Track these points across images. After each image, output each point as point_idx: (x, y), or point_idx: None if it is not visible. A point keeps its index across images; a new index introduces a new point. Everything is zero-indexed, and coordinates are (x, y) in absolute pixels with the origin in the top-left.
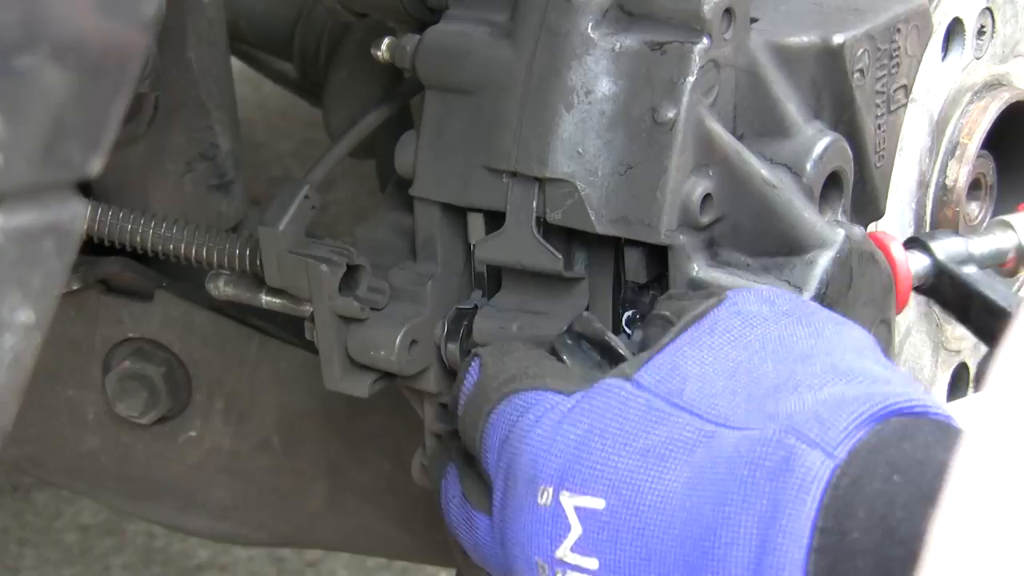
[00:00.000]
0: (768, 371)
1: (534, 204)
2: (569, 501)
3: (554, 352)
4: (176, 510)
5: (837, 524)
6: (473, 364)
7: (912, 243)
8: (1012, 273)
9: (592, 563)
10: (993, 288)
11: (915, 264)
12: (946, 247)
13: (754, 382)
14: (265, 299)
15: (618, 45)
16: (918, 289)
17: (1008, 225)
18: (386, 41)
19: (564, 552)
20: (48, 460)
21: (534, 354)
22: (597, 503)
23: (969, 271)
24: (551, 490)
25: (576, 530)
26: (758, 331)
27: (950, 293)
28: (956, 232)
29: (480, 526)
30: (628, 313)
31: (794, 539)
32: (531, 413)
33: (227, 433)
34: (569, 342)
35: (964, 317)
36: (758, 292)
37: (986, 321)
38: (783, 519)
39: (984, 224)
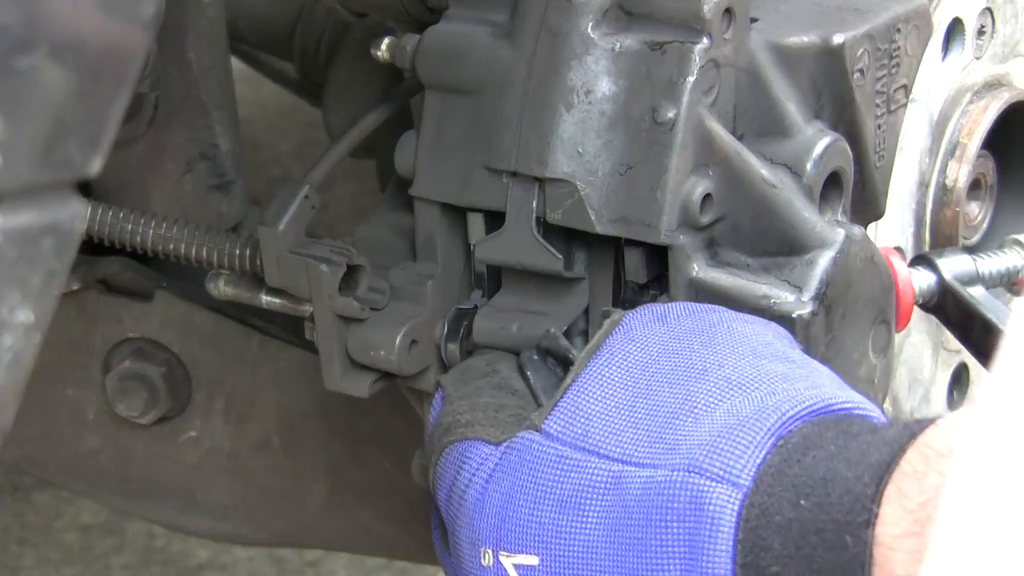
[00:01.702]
0: (665, 396)
1: (534, 204)
2: (508, 561)
3: (521, 369)
4: (176, 510)
5: (755, 559)
6: (436, 397)
7: (919, 260)
8: (1021, 292)
9: None
10: (996, 311)
11: (921, 281)
12: (953, 265)
13: (652, 411)
14: (265, 299)
15: (618, 45)
16: (923, 306)
17: (1019, 243)
18: (386, 41)
19: None
20: (48, 460)
21: (480, 386)
22: (532, 560)
23: (976, 291)
24: (491, 552)
25: None
26: (653, 352)
27: (953, 312)
28: (965, 249)
29: (450, 563)
30: None
31: None
32: (465, 470)
33: (227, 433)
34: (535, 358)
35: (965, 337)
36: (652, 311)
37: (986, 342)
38: (703, 560)
39: (984, 225)
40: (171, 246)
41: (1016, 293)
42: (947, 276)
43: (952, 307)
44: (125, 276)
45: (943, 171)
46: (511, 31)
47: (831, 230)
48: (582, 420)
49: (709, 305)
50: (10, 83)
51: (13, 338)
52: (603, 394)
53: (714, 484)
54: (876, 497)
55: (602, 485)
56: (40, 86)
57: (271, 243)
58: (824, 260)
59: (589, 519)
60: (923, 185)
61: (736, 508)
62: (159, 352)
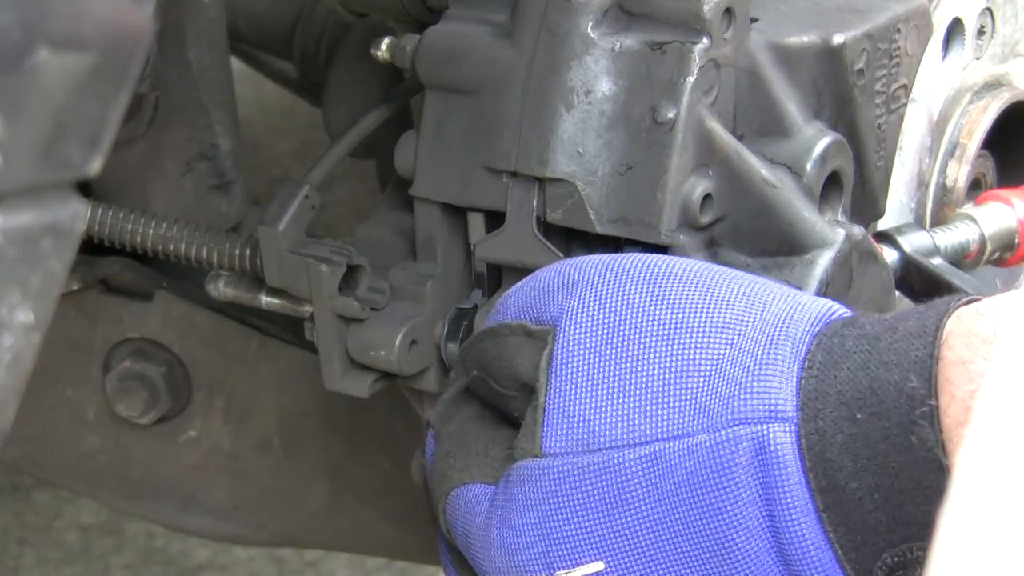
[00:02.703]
0: (650, 361)
1: (534, 204)
2: None
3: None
4: (176, 510)
5: (830, 481)
6: (428, 437)
7: (880, 238)
8: (975, 264)
9: None
10: (959, 276)
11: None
12: (913, 240)
13: (646, 382)
14: (265, 299)
15: (618, 45)
16: None
17: (971, 218)
18: (386, 41)
19: None
20: (48, 460)
21: (463, 421)
22: (595, 567)
23: (935, 262)
24: None
25: None
26: (606, 322)
27: (918, 284)
28: (921, 226)
29: None
30: None
31: (801, 511)
32: (475, 513)
33: (227, 433)
34: None
35: None
36: (572, 272)
37: None
38: (780, 499)
39: None
40: (171, 246)
41: (969, 265)
42: (908, 250)
43: (916, 279)
44: (125, 276)
45: (943, 171)
46: (511, 31)
47: (831, 230)
48: (579, 422)
49: (627, 255)
50: (10, 83)
51: (13, 338)
52: (586, 390)
53: (765, 426)
54: (930, 391)
55: (639, 471)
56: (40, 86)
57: (271, 243)
58: (824, 260)
59: (642, 506)
60: (923, 185)
61: (794, 440)
62: (159, 352)
